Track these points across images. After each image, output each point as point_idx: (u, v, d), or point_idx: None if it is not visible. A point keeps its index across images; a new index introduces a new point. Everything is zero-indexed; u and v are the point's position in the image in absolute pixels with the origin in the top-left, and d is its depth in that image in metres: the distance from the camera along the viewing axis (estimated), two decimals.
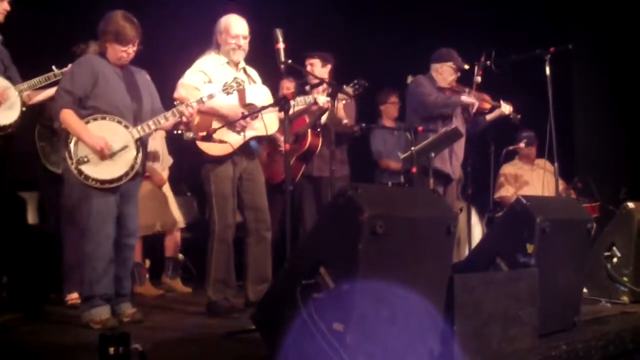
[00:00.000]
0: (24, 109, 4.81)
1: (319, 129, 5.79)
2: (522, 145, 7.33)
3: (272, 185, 5.68)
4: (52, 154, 5.44)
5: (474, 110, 6.02)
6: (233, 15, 5.09)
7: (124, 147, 4.44)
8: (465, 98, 5.96)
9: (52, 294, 5.61)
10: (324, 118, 5.72)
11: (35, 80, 4.85)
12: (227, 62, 5.06)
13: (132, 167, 4.45)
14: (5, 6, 4.65)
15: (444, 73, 6.14)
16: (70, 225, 5.30)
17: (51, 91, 5.01)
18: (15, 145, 4.93)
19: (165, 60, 5.57)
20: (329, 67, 5.99)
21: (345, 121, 5.79)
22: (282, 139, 5.60)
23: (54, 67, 4.93)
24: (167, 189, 6.43)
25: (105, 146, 4.34)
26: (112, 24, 4.51)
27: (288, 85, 6.22)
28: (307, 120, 5.76)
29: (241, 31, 5.05)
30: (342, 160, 6.17)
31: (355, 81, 5.40)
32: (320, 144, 5.82)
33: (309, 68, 5.82)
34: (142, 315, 4.63)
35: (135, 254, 4.91)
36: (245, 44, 5.07)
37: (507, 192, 7.41)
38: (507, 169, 7.52)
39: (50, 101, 5.15)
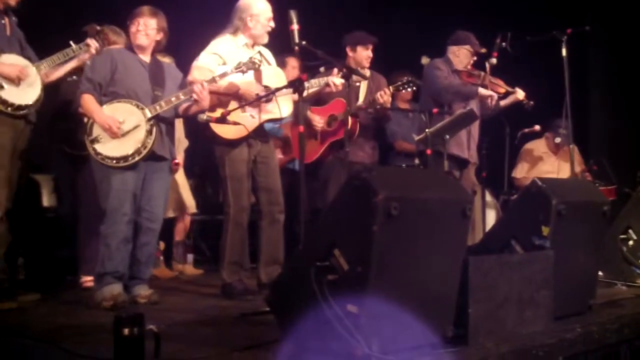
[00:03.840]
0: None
1: (363, 106, 5.74)
2: (537, 127, 7.29)
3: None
4: (71, 135, 5.45)
5: (493, 103, 5.97)
6: None
7: (136, 127, 4.54)
8: (483, 90, 5.89)
9: (67, 276, 5.64)
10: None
11: (54, 57, 4.83)
12: (245, 44, 5.05)
13: (144, 146, 4.53)
14: None
15: (461, 56, 6.10)
16: (86, 208, 5.33)
17: (68, 67, 4.98)
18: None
19: (182, 41, 5.57)
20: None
21: (359, 103, 5.77)
22: (316, 119, 5.62)
23: (71, 43, 4.91)
24: (180, 172, 6.43)
25: (113, 124, 4.47)
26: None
27: (294, 64, 6.18)
28: (345, 104, 5.57)
29: (270, 14, 5.07)
30: (374, 146, 6.11)
31: (408, 78, 5.42)
32: (357, 131, 5.75)
33: (370, 53, 5.86)
34: (158, 296, 4.67)
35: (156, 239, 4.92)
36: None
37: (520, 173, 7.41)
38: (532, 147, 7.50)
39: (63, 82, 5.15)
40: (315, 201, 6.04)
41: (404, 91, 7.03)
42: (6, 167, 4.57)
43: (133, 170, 4.56)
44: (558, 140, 7.28)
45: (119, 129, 4.49)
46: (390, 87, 5.61)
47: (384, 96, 5.59)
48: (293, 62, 6.17)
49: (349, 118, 5.56)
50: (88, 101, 4.58)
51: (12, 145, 4.60)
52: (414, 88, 5.58)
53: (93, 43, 4.91)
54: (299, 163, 4.37)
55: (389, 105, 5.77)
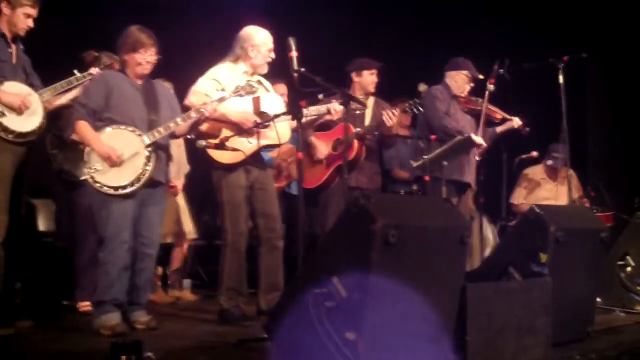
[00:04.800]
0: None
1: (361, 132, 5.72)
2: (534, 154, 7.30)
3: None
4: (65, 162, 5.46)
5: (480, 151, 5.98)
6: (262, 28, 5.13)
7: (134, 154, 4.50)
8: (475, 138, 5.87)
9: (64, 301, 5.62)
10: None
11: (57, 85, 4.85)
12: (245, 72, 5.07)
13: (143, 173, 4.50)
14: (30, 23, 4.68)
15: (459, 81, 6.14)
16: (83, 233, 5.32)
17: (70, 95, 5.00)
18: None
19: (181, 67, 5.60)
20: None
21: (358, 129, 5.78)
22: (319, 149, 5.69)
23: (75, 71, 4.93)
24: (181, 197, 6.42)
25: (112, 153, 4.43)
26: (129, 36, 4.66)
27: (282, 92, 6.18)
28: (352, 128, 5.57)
29: (272, 45, 5.11)
30: (377, 172, 6.13)
31: (415, 100, 5.50)
32: (363, 156, 5.73)
33: (374, 78, 5.88)
34: (156, 322, 4.65)
35: (153, 265, 4.91)
36: None
37: (518, 199, 7.42)
38: (530, 173, 7.52)
39: (64, 109, 5.16)
40: (314, 226, 6.03)
41: (404, 113, 7.07)
42: (7, 194, 4.57)
43: (132, 198, 4.51)
44: (550, 162, 7.30)
45: (119, 158, 4.46)
46: (397, 109, 5.62)
47: (393, 118, 5.60)
48: (281, 89, 6.17)
49: (355, 142, 5.58)
50: (84, 128, 4.52)
51: (14, 172, 4.61)
52: (420, 109, 5.59)
53: (96, 72, 4.95)
54: (298, 189, 4.37)
55: (395, 125, 5.75)
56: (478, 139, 5.85)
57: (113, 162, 4.45)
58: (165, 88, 4.97)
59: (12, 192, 4.62)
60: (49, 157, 5.52)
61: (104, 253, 4.49)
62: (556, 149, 7.02)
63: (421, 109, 5.63)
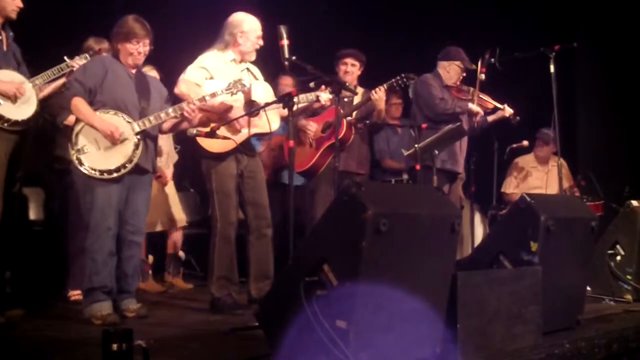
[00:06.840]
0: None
1: (352, 121, 5.75)
2: (525, 143, 7.31)
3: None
4: (56, 149, 5.44)
5: (477, 119, 6.00)
6: (251, 15, 5.11)
7: (124, 140, 4.49)
8: (473, 106, 5.92)
9: (55, 290, 5.61)
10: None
11: (49, 72, 4.84)
12: (233, 60, 5.06)
13: (130, 160, 4.49)
14: (18, 3, 4.64)
15: (451, 72, 6.15)
16: (75, 221, 5.31)
17: (60, 82, 4.99)
18: None
19: (169, 54, 5.57)
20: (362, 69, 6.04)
21: (349, 118, 5.78)
22: (308, 125, 5.71)
23: (66, 58, 4.91)
24: (170, 186, 6.42)
25: (115, 130, 4.41)
26: (124, 25, 4.64)
27: (287, 82, 6.19)
28: (341, 111, 5.58)
29: (260, 32, 5.09)
30: (367, 157, 6.14)
31: (401, 75, 5.52)
32: (352, 137, 5.75)
33: (348, 68, 5.91)
34: (146, 310, 4.65)
35: (141, 252, 4.90)
36: None
37: (509, 188, 7.44)
38: (521, 162, 7.54)
39: (53, 97, 5.13)
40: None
41: (394, 94, 7.08)
42: (1, 182, 4.55)
43: (117, 184, 4.50)
44: (525, 142, 7.29)
45: (121, 136, 4.42)
46: (385, 85, 5.63)
47: (379, 92, 5.62)
48: (286, 81, 6.18)
49: (344, 122, 5.57)
50: (81, 105, 4.46)
51: (7, 160, 4.59)
52: (408, 84, 5.61)
53: (85, 59, 4.93)
54: (289, 176, 4.36)
55: (383, 102, 5.74)
56: (476, 107, 5.89)
57: (114, 140, 4.42)
58: (155, 79, 4.97)
59: (6, 181, 4.61)
60: (40, 145, 5.50)
61: (91, 240, 4.48)
62: (544, 131, 7.11)
63: (408, 83, 5.63)
